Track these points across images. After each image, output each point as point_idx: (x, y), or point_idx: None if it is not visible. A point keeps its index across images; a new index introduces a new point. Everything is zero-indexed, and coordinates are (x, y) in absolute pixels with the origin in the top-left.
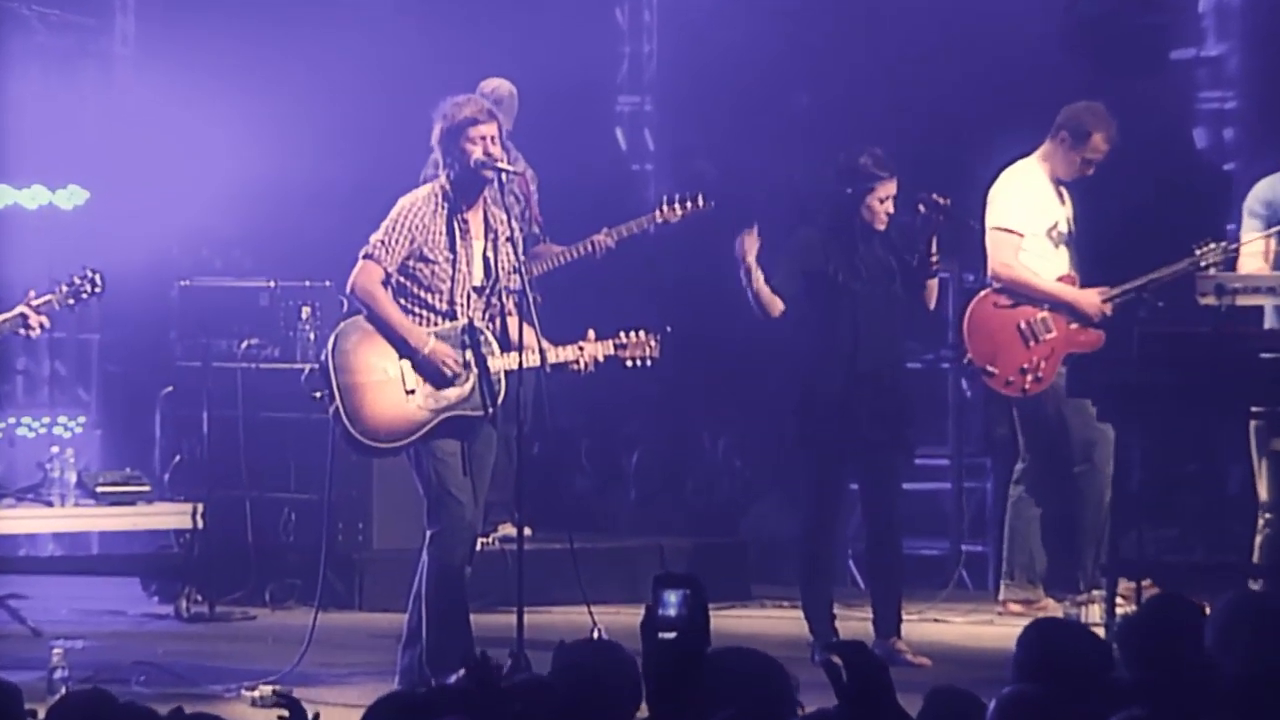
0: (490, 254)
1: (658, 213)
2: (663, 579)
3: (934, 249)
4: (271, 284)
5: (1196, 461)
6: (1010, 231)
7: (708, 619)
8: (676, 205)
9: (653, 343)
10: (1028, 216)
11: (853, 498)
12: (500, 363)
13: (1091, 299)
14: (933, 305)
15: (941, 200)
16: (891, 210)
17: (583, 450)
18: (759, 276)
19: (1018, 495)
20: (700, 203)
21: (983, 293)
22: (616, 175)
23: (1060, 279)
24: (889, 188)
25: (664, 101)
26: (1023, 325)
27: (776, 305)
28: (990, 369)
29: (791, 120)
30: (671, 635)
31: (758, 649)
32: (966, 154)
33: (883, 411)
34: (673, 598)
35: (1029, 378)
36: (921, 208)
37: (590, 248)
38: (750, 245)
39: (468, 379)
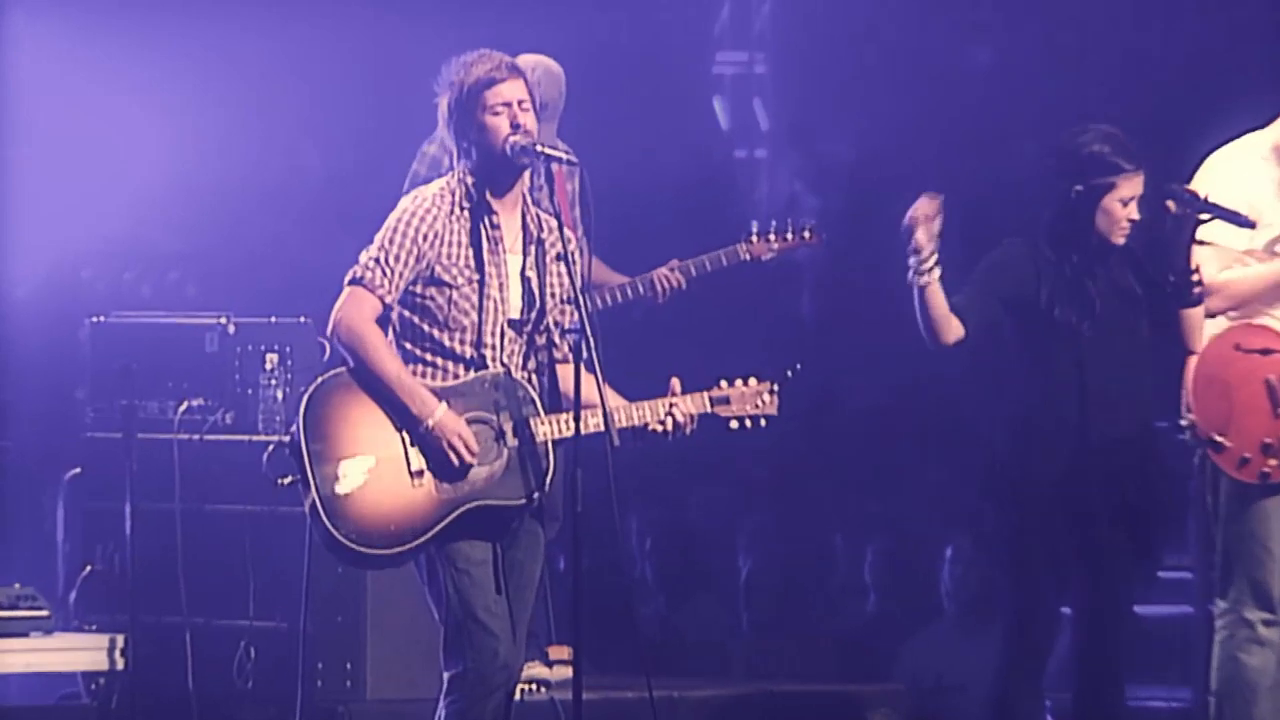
0: (533, 274)
1: (744, 246)
2: None
3: (1195, 264)
4: (222, 320)
5: None
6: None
7: None
8: (772, 237)
9: (767, 395)
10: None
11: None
12: (548, 429)
13: None
14: (1198, 345)
15: (1202, 195)
16: (1136, 215)
17: (660, 557)
18: (934, 273)
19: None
20: (807, 235)
21: (1223, 329)
22: (714, 164)
23: None
24: (1134, 184)
25: (781, 60)
26: (1274, 380)
27: (953, 328)
28: (1219, 439)
29: (965, 87)
30: None
31: None
32: (1195, 134)
33: (1122, 504)
34: None
35: (1273, 461)
36: (1172, 205)
37: (650, 287)
38: (928, 217)
39: (501, 453)
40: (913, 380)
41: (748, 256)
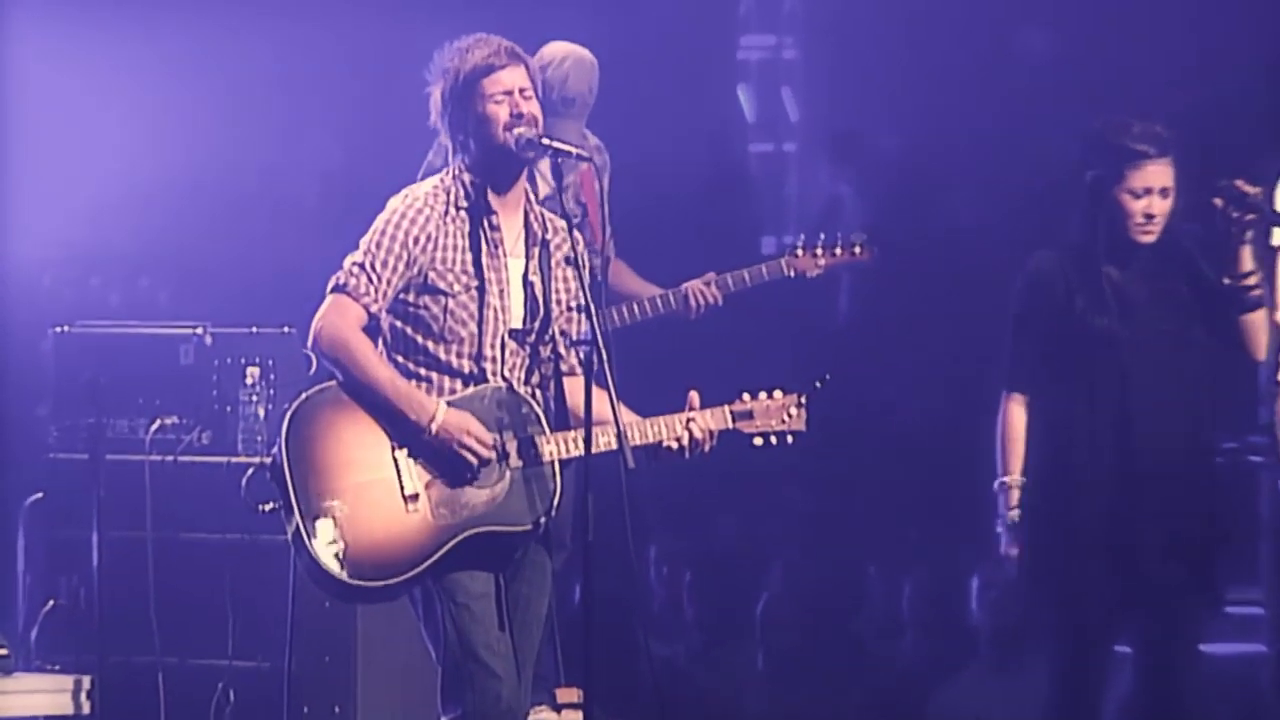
0: (536, 279)
1: (787, 260)
2: None
3: (1246, 265)
4: (199, 330)
5: None
6: None
7: None
8: (820, 251)
9: (793, 409)
10: None
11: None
12: (554, 448)
13: None
14: (1263, 353)
15: (1250, 190)
16: (1155, 211)
17: (679, 589)
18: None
19: None
20: (858, 250)
21: None
22: (737, 159)
23: None
24: (1148, 175)
25: (813, 45)
26: None
27: (1021, 423)
28: None
29: (1019, 74)
30: None
31: None
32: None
33: (1174, 532)
34: None
35: None
36: (1219, 202)
37: (683, 301)
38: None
39: (502, 475)
40: (958, 395)
41: (791, 272)
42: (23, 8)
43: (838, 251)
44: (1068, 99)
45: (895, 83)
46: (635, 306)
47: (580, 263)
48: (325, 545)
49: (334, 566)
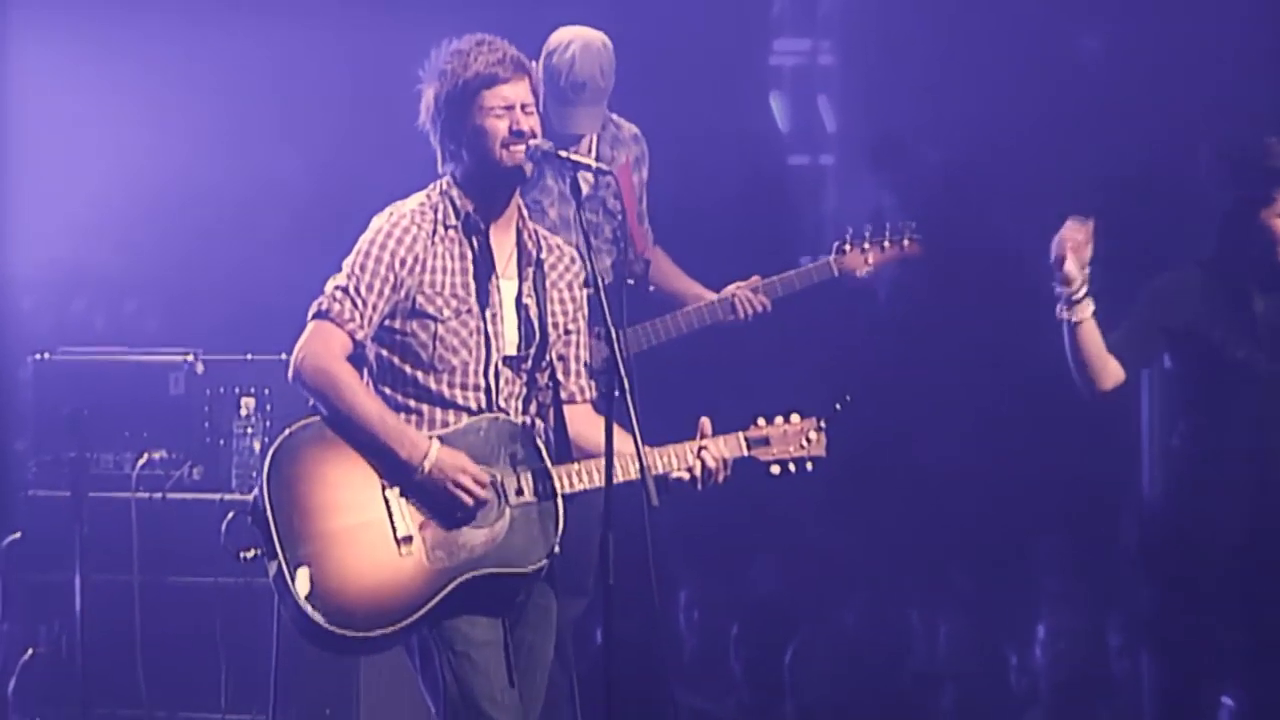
0: (530, 301)
1: (835, 259)
2: None
3: None
4: (189, 358)
5: None
6: None
7: None
8: (867, 246)
9: (812, 433)
10: None
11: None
12: (558, 482)
13: None
14: None
15: None
16: None
17: (709, 636)
18: (1086, 307)
19: None
20: (907, 244)
21: None
22: (769, 172)
23: None
24: None
25: (850, 50)
26: None
27: (1110, 371)
28: None
29: (1072, 78)
30: None
31: None
32: None
33: None
34: None
35: None
36: None
37: (730, 310)
38: (1078, 245)
39: (502, 513)
40: (1008, 425)
41: (838, 272)
42: (13, 20)
43: (886, 245)
44: (1117, 103)
45: (938, 90)
46: (680, 319)
47: (599, 285)
48: (309, 594)
49: (319, 616)
